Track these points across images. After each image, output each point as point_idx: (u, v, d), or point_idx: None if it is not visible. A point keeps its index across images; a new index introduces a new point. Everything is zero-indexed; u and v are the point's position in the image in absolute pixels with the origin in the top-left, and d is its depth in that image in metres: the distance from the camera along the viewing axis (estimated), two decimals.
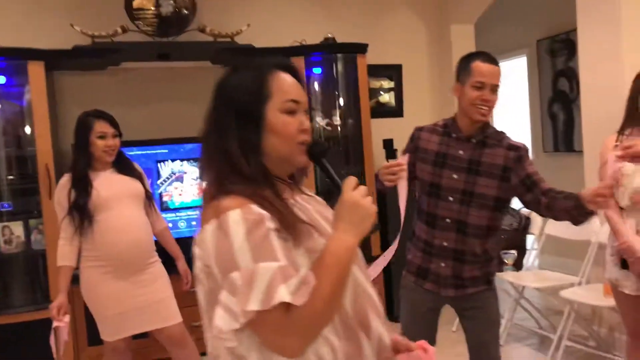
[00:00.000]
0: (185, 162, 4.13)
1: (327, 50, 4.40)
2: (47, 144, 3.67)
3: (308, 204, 1.28)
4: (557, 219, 2.21)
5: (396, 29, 5.06)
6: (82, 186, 2.69)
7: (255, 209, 1.10)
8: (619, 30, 3.41)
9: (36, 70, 3.65)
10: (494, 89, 2.22)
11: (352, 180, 1.18)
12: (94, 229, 2.70)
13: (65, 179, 2.77)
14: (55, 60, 3.81)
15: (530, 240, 4.20)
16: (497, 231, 2.33)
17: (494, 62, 2.25)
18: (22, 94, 3.77)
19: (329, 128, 4.51)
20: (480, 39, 5.27)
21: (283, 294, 1.03)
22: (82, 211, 2.68)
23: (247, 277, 1.04)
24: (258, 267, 1.05)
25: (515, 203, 4.88)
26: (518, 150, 2.27)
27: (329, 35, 4.44)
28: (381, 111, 4.94)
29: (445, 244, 2.27)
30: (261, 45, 4.26)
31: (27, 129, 3.78)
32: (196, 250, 1.15)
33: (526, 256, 4.17)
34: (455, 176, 2.24)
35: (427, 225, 2.30)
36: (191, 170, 4.15)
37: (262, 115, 1.19)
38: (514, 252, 3.98)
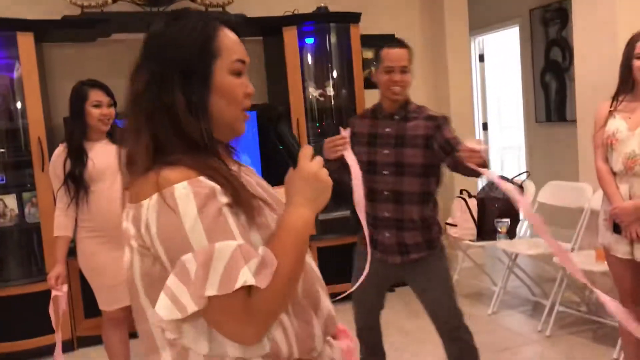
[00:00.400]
0: None
1: (320, 19, 4.36)
2: (38, 116, 3.63)
3: (247, 176, 1.16)
4: (465, 175, 2.39)
5: None
6: (77, 156, 2.68)
7: (206, 181, 0.97)
8: None
9: (25, 42, 3.60)
10: (403, 69, 2.46)
11: (308, 150, 1.10)
12: (89, 200, 2.70)
13: (60, 149, 2.75)
14: (45, 31, 3.76)
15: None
16: (432, 197, 2.52)
17: (401, 45, 2.51)
18: (12, 66, 3.71)
19: (321, 99, 4.49)
20: (473, 9, 5.24)
21: (247, 276, 0.93)
22: (77, 181, 2.67)
23: (202, 259, 0.93)
24: (214, 248, 0.94)
25: (508, 173, 4.89)
26: (436, 120, 2.47)
27: (322, 5, 4.40)
28: (374, 82, 4.91)
29: (386, 214, 2.48)
30: (252, 15, 4.22)
31: (18, 102, 3.74)
32: (129, 228, 1.01)
33: (519, 225, 4.21)
34: (386, 152, 2.47)
35: (369, 200, 2.43)
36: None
37: (210, 73, 1.06)
38: (507, 220, 4.01)
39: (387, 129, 2.49)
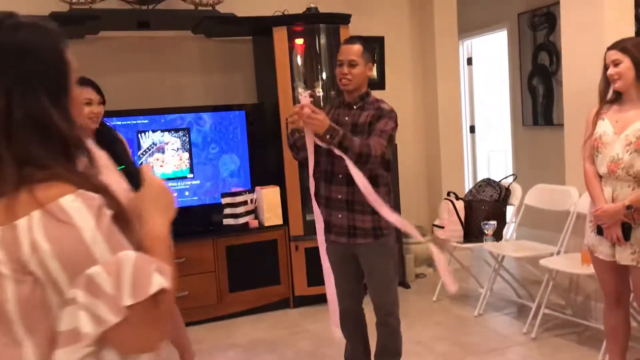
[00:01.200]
0: (166, 132, 4.09)
1: (310, 20, 4.36)
2: None
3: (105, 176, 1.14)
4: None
5: (378, 0, 5.03)
6: None
7: (89, 193, 0.95)
8: (602, 3, 3.43)
9: None
10: (351, 63, 2.66)
11: (149, 168, 1.15)
12: None
13: None
14: None
15: (510, 211, 4.26)
16: (380, 180, 2.68)
17: (352, 41, 2.71)
18: None
19: (311, 99, 4.47)
20: (462, 12, 5.27)
21: (160, 280, 0.95)
22: None
23: (111, 270, 0.92)
24: (119, 258, 0.93)
25: (494, 175, 4.92)
26: (381, 110, 2.67)
27: (312, 5, 4.39)
28: None
29: (339, 196, 2.69)
30: (242, 14, 4.21)
31: None
32: None
33: (505, 228, 4.24)
34: None
35: (326, 182, 2.71)
36: (172, 141, 4.11)
37: (70, 84, 1.04)
38: (494, 222, 4.03)
39: (346, 118, 2.72)
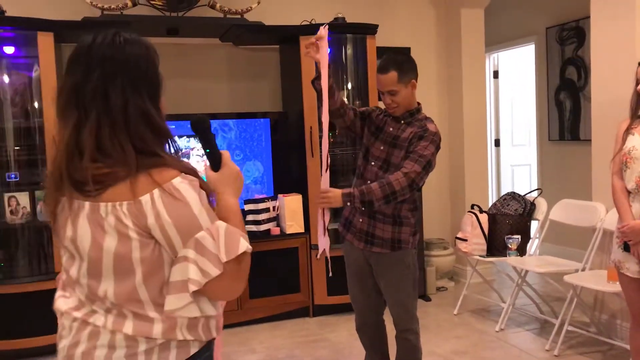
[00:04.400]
0: (192, 138, 4.13)
1: (337, 30, 4.37)
2: (55, 115, 3.65)
3: None
4: None
5: (406, 11, 5.04)
6: None
7: (189, 176, 1.22)
8: (633, 19, 3.39)
9: (45, 41, 3.64)
10: (391, 92, 2.59)
11: (228, 154, 1.40)
12: None
13: None
14: (64, 32, 3.79)
15: (534, 226, 4.21)
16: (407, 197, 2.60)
17: (385, 70, 2.58)
18: (31, 66, 3.75)
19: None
20: (489, 25, 5.25)
21: (245, 244, 1.24)
22: None
23: (214, 234, 1.20)
24: (217, 225, 1.22)
25: (519, 189, 4.87)
26: (425, 130, 2.57)
27: (339, 15, 4.42)
28: None
29: None
30: (270, 23, 4.24)
31: (35, 101, 3.77)
32: (124, 221, 1.17)
33: (529, 243, 4.18)
34: (381, 147, 2.65)
35: (359, 180, 2.70)
36: (198, 147, 4.15)
37: (161, 89, 1.29)
38: (518, 237, 3.99)
39: (390, 129, 2.66)
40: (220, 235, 1.21)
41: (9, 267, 3.77)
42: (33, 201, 3.71)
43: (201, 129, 1.40)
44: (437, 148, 2.57)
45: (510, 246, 3.99)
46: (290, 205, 4.22)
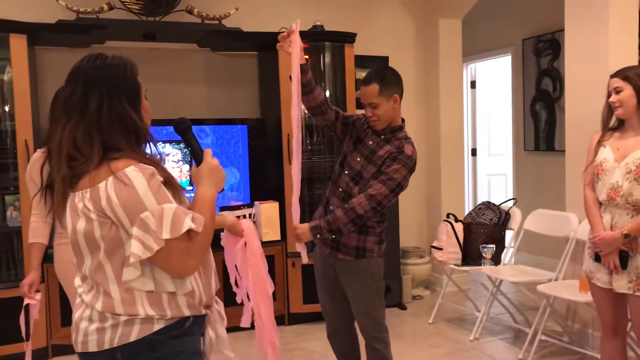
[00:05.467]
0: (167, 144, 4.09)
1: (315, 38, 4.38)
2: (27, 119, 3.60)
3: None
4: None
5: (384, 20, 5.07)
6: None
7: (146, 165, 1.41)
8: (607, 32, 3.45)
9: (18, 44, 3.58)
10: (372, 105, 2.58)
11: (209, 151, 1.58)
12: None
13: (39, 154, 2.64)
14: (38, 34, 3.74)
15: (508, 235, 4.24)
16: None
17: (368, 82, 2.59)
18: (3, 68, 3.68)
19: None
20: (467, 35, 5.30)
21: (188, 223, 1.40)
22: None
23: (157, 214, 1.37)
24: (163, 207, 1.38)
25: (494, 199, 4.90)
26: (400, 152, 2.56)
27: (318, 23, 4.42)
28: None
29: (332, 207, 2.67)
30: (249, 29, 4.23)
31: (7, 104, 3.70)
32: (87, 205, 1.40)
33: (504, 252, 4.21)
34: (358, 159, 2.65)
35: (334, 185, 2.72)
36: (174, 153, 4.11)
37: (141, 97, 1.51)
38: (492, 246, 4.01)
39: (370, 142, 2.65)
40: (164, 216, 1.37)
41: None
42: (3, 206, 3.63)
43: (183, 128, 1.60)
44: (411, 171, 2.58)
45: (485, 255, 4.01)
46: (267, 212, 4.20)
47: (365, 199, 2.50)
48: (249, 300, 2.19)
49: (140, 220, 1.36)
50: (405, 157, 2.55)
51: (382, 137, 2.64)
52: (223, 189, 1.57)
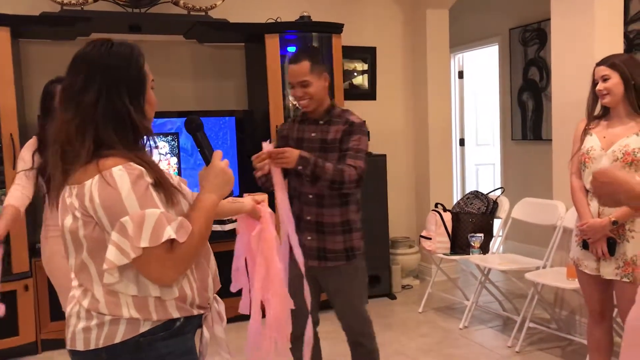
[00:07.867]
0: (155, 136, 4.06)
1: (302, 28, 4.37)
2: (12, 112, 3.56)
3: (168, 175, 1.51)
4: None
5: (371, 10, 5.05)
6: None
7: (135, 165, 1.33)
8: (592, 21, 3.47)
9: (2, 37, 3.54)
10: (303, 83, 2.46)
11: (219, 153, 1.50)
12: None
13: (33, 140, 2.78)
14: (22, 27, 3.70)
15: (497, 224, 4.27)
16: (351, 198, 2.53)
17: (298, 59, 2.48)
18: None
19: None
20: (454, 26, 5.30)
21: (170, 232, 1.30)
22: (49, 180, 2.62)
23: (137, 220, 1.28)
24: (145, 212, 1.29)
25: (483, 188, 4.92)
26: (351, 125, 2.48)
27: (305, 14, 4.40)
28: (354, 93, 4.94)
29: (309, 217, 2.53)
30: (235, 21, 4.21)
31: None
32: (74, 202, 1.35)
33: (492, 241, 4.24)
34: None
35: (298, 201, 2.56)
36: (161, 145, 4.09)
37: (145, 88, 1.42)
38: (480, 235, 4.04)
39: (312, 134, 2.54)
40: (145, 222, 1.29)
41: None
42: None
43: (193, 128, 1.53)
44: (368, 137, 2.52)
45: (473, 244, 4.03)
46: None
47: (353, 170, 2.39)
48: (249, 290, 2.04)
49: (120, 224, 1.29)
50: (358, 126, 2.48)
51: (321, 122, 2.54)
52: (230, 194, 1.49)
